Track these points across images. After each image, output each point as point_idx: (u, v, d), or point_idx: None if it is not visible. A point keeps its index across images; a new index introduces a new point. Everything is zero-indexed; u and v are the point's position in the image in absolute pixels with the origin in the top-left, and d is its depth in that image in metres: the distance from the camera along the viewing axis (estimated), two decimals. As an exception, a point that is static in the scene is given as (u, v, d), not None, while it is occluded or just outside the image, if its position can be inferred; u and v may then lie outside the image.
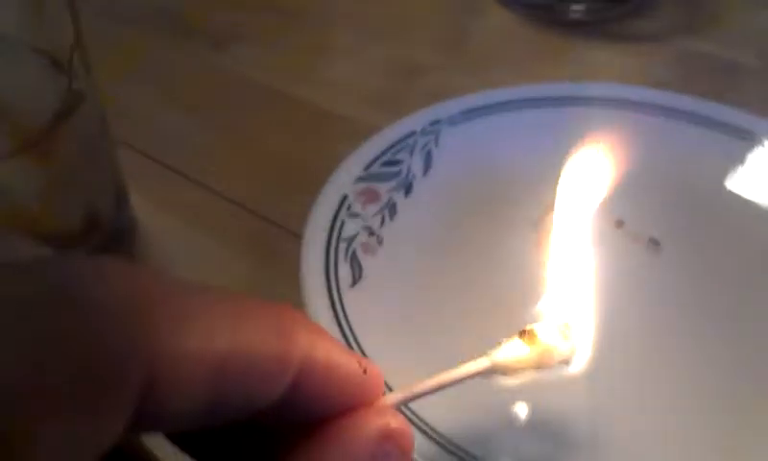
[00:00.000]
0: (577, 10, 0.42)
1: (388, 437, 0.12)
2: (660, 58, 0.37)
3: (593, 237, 0.25)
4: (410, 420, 0.17)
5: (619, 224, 0.25)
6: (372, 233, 0.24)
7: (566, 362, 0.14)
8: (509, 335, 0.14)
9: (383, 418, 0.12)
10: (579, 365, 0.14)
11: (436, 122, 0.29)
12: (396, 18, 0.43)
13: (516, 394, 0.19)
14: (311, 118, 0.34)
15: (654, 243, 0.25)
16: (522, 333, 0.13)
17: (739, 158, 0.26)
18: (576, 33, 0.40)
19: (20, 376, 0.08)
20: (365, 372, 0.12)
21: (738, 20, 0.41)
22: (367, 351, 0.20)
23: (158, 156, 0.31)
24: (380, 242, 0.24)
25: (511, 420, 0.19)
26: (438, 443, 0.17)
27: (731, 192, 0.26)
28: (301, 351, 0.11)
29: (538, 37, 0.40)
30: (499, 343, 0.13)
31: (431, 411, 0.18)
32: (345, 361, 0.11)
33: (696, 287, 0.23)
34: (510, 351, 0.13)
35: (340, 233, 0.23)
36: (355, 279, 0.22)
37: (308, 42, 0.41)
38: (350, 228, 0.24)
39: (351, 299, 0.21)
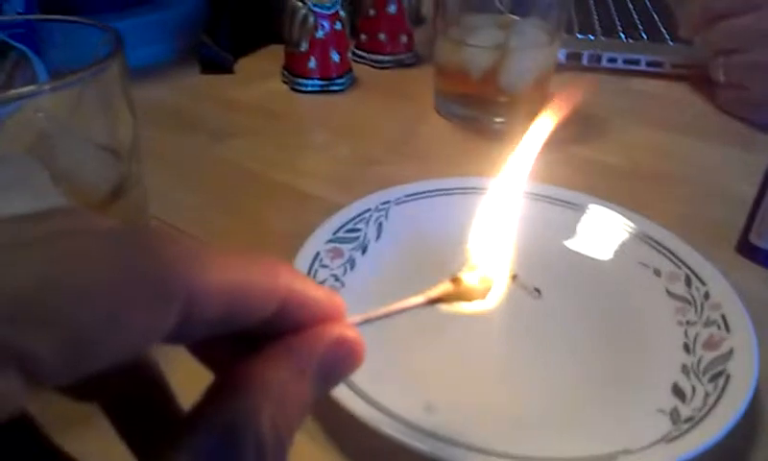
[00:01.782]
0: (498, 122, 0.54)
1: (342, 342, 0.15)
2: (556, 160, 0.49)
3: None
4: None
5: (514, 277, 0.35)
6: (337, 279, 0.34)
7: (484, 295, 0.19)
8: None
9: (341, 328, 0.16)
10: (492, 301, 0.20)
11: (386, 202, 0.39)
12: (358, 123, 0.54)
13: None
14: (291, 197, 0.43)
15: (537, 291, 0.35)
16: (452, 279, 0.19)
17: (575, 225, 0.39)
18: (495, 139, 0.52)
19: (111, 278, 0.11)
20: (331, 300, 0.16)
21: (614, 134, 0.53)
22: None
23: (176, 223, 0.40)
24: (343, 285, 0.34)
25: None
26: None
27: (572, 250, 0.38)
28: (284, 285, 0.14)
29: (467, 141, 0.52)
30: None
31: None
32: (315, 291, 0.15)
33: (564, 317, 0.33)
34: (440, 289, 0.18)
35: (314, 278, 0.33)
36: (325, 310, 0.31)
37: (288, 140, 0.51)
38: (321, 275, 0.33)
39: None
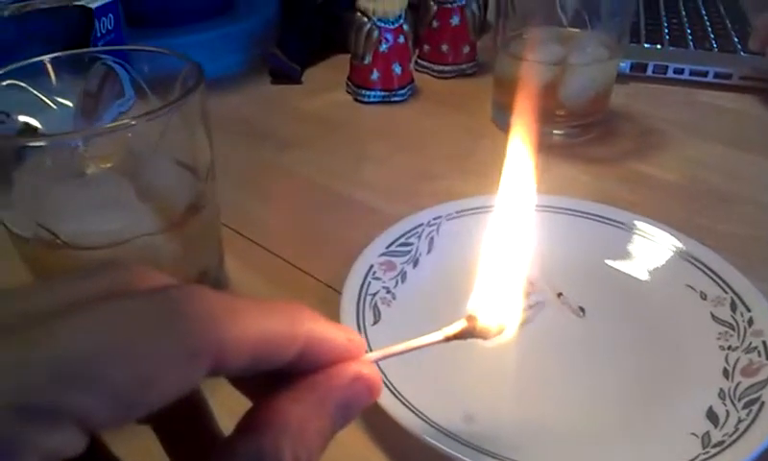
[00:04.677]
0: (557, 134, 0.55)
1: (359, 378, 0.17)
2: (612, 175, 0.50)
3: (542, 301, 0.37)
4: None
5: (560, 295, 0.37)
6: (388, 291, 0.36)
7: (498, 335, 0.20)
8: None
9: (359, 366, 0.17)
10: (507, 337, 0.21)
11: (438, 217, 0.41)
12: (417, 134, 0.56)
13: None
14: (351, 209, 0.46)
15: (581, 310, 0.36)
16: (468, 317, 0.20)
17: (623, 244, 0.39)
18: (554, 153, 0.53)
19: (147, 342, 0.13)
20: (349, 340, 0.17)
21: (674, 149, 0.53)
22: (381, 366, 0.31)
23: (243, 230, 0.44)
24: (394, 297, 0.36)
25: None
26: (403, 403, 0.28)
27: (618, 270, 0.38)
28: (304, 331, 0.16)
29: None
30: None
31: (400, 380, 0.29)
32: (334, 335, 0.17)
33: (607, 337, 0.35)
34: (457, 327, 0.20)
35: (367, 290, 0.35)
36: (375, 321, 0.34)
37: (350, 150, 0.54)
38: (374, 287, 0.36)
39: (373, 333, 0.33)
